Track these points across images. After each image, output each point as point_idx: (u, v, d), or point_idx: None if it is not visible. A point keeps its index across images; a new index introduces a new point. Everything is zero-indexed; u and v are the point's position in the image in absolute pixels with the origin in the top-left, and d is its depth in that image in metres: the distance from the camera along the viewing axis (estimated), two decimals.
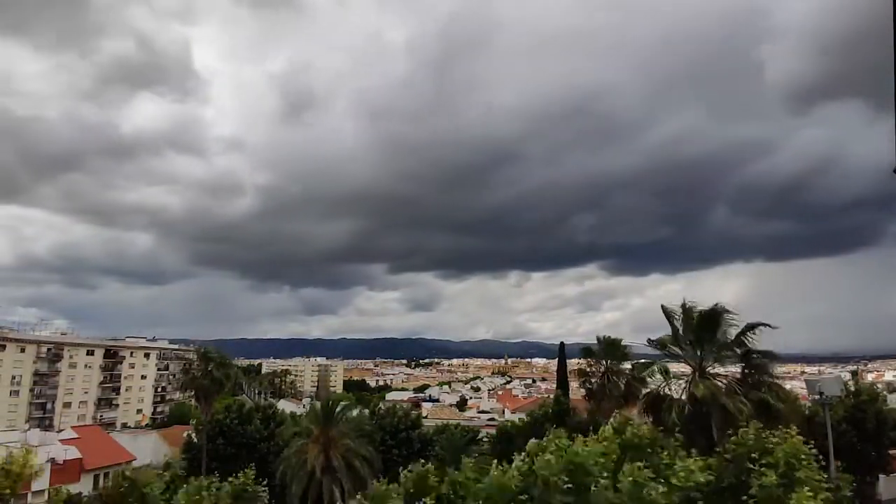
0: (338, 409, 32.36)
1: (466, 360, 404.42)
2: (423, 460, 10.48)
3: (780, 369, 21.82)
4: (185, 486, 14.92)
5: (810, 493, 8.01)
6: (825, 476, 9.47)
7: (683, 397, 18.74)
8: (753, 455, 9.49)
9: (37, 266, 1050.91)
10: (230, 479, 16.67)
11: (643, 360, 23.18)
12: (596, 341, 34.61)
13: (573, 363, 76.31)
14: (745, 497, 8.86)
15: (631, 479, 7.96)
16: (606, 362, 32.81)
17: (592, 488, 8.07)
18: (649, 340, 21.38)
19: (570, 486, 8.30)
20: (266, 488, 17.13)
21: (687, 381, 19.09)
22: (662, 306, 20.84)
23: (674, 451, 10.41)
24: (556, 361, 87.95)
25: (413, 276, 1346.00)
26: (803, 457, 9.14)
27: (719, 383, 18.92)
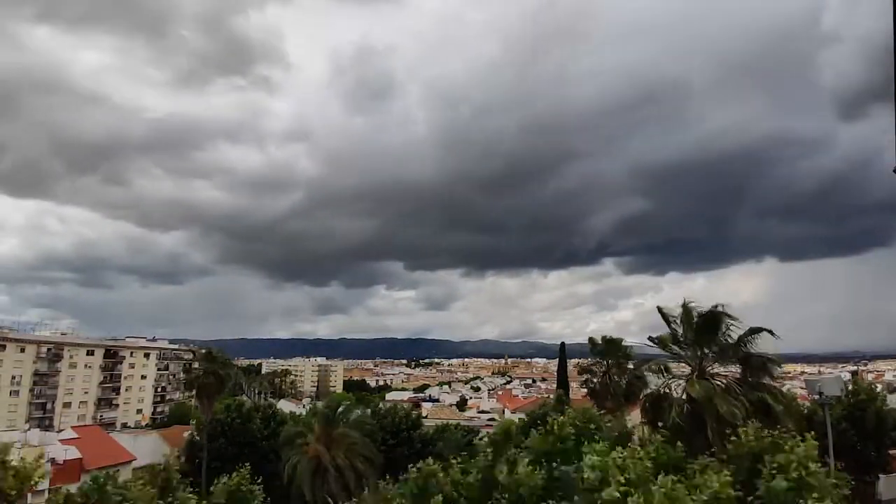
0: (340, 409, 32.45)
1: (466, 360, 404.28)
2: (430, 459, 10.47)
3: (780, 369, 21.82)
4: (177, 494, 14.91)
5: (817, 497, 7.88)
6: (835, 482, 9.32)
7: (683, 397, 18.75)
8: (766, 457, 9.30)
9: (56, 264, 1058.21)
10: (224, 477, 16.67)
11: (644, 358, 23.15)
12: (598, 341, 34.65)
13: (573, 363, 76.54)
14: (750, 498, 8.72)
15: (664, 490, 7.80)
16: (608, 362, 32.85)
17: (629, 499, 7.94)
18: (650, 338, 21.40)
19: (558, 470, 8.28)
20: (261, 486, 17.09)
21: (685, 381, 19.09)
22: (658, 308, 20.94)
23: (663, 448, 10.36)
24: (556, 361, 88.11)
25: (440, 273, 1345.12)
26: (815, 461, 8.94)
27: (718, 384, 18.94)
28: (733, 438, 10.26)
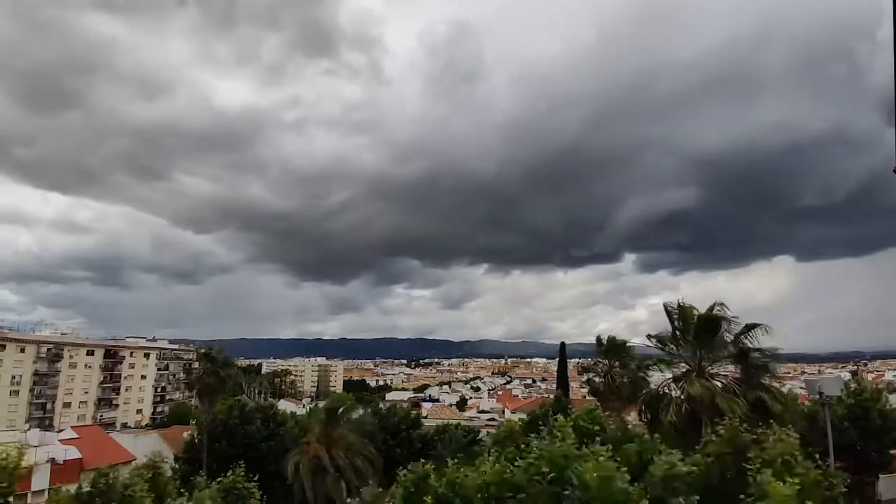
0: (340, 410, 32.44)
1: (466, 360, 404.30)
2: (423, 460, 10.45)
3: (780, 368, 21.82)
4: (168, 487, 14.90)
5: (796, 483, 8.03)
6: (820, 474, 9.48)
7: (681, 397, 18.75)
8: (750, 455, 9.51)
9: (78, 261, 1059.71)
10: (220, 476, 16.64)
11: (647, 359, 23.22)
12: (604, 340, 34.59)
13: (574, 363, 76.57)
14: (740, 495, 8.84)
15: (596, 474, 7.92)
16: (609, 362, 32.81)
17: (572, 483, 8.06)
18: (649, 336, 21.40)
19: (553, 475, 8.33)
20: (257, 485, 17.06)
21: (683, 381, 19.09)
22: (664, 305, 20.89)
23: (646, 443, 10.42)
24: (556, 361, 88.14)
25: (466, 270, 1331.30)
26: (797, 454, 9.17)
27: (718, 383, 18.94)
28: (714, 437, 10.34)
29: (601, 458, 8.31)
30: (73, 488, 14.79)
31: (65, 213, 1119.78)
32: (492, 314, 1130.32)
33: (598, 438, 10.05)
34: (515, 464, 9.09)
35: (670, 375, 20.61)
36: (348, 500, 27.13)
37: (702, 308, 19.78)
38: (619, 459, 8.82)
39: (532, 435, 10.29)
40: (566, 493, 8.01)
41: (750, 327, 19.21)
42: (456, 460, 10.27)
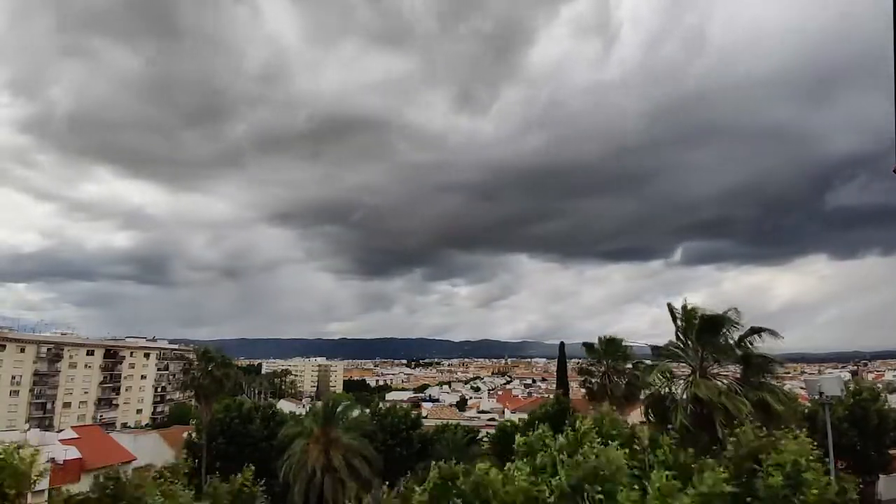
0: (339, 410, 32.41)
1: (466, 360, 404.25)
2: (435, 461, 10.38)
3: (781, 369, 21.82)
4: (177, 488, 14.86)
5: (815, 493, 7.96)
6: (830, 479, 9.40)
7: (685, 397, 18.74)
8: (761, 456, 9.40)
9: (131, 257, 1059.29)
10: (230, 477, 16.65)
11: (646, 361, 23.22)
12: (597, 341, 34.63)
13: (574, 363, 76.51)
14: (749, 499, 8.79)
15: (658, 486, 7.86)
16: (607, 362, 32.80)
17: (618, 497, 7.99)
18: (653, 348, 21.43)
19: (600, 495, 8.19)
20: (265, 487, 17.10)
21: (688, 382, 19.07)
22: (668, 305, 20.94)
23: (675, 452, 10.31)
24: (556, 361, 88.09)
25: (515, 263, 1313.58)
26: (811, 458, 9.05)
27: (720, 383, 18.94)
28: (732, 439, 10.27)
29: (666, 474, 8.22)
30: (73, 488, 14.76)
31: (150, 208, 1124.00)
32: (520, 311, 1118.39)
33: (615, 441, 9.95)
34: (551, 477, 8.87)
35: (672, 377, 20.58)
36: (347, 501, 27.09)
37: (720, 309, 19.73)
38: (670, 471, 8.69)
39: (561, 440, 10.13)
40: None
41: (755, 330, 19.23)
42: (488, 462, 10.11)
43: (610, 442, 9.14)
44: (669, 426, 17.40)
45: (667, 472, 8.49)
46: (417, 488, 10.19)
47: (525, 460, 10.29)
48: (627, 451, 9.58)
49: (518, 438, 10.79)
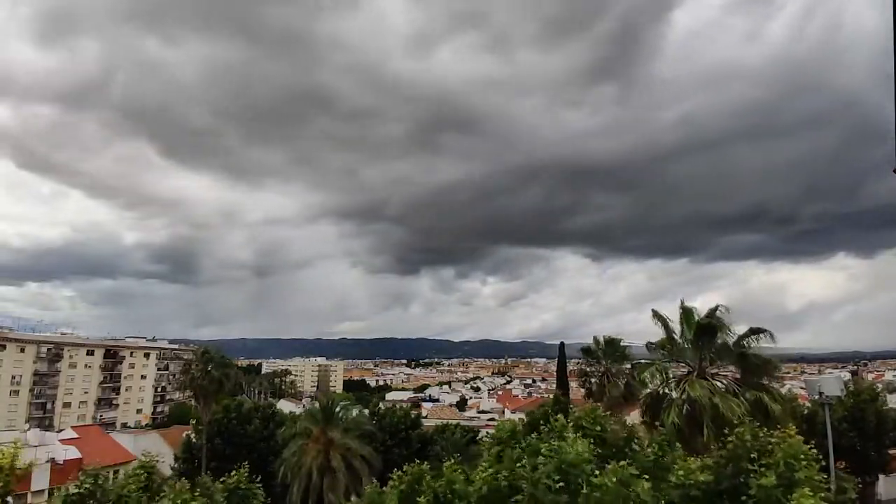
0: (337, 409, 32.38)
1: (466, 359, 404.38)
2: (418, 461, 10.43)
3: (780, 369, 21.83)
4: (165, 489, 14.79)
5: (810, 493, 7.96)
6: (825, 477, 9.41)
7: (681, 398, 18.76)
8: (753, 455, 9.45)
9: (153, 256, 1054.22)
10: (223, 477, 16.57)
11: (643, 361, 23.23)
12: (600, 341, 34.60)
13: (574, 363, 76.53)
14: (743, 498, 8.81)
15: (615, 478, 7.93)
16: (606, 362, 32.78)
17: (582, 490, 8.04)
18: (648, 345, 21.46)
19: (561, 485, 8.27)
20: (261, 486, 17.04)
21: (683, 382, 19.09)
22: (653, 311, 21.17)
23: (664, 449, 10.35)
24: (555, 361, 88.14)
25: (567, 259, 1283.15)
26: (803, 457, 9.07)
27: (718, 384, 18.95)
28: (730, 439, 10.27)
29: (621, 464, 8.30)
30: (73, 488, 14.73)
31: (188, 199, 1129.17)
32: (539, 310, 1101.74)
33: (595, 440, 9.99)
34: (518, 466, 9.02)
35: (671, 377, 20.59)
36: (346, 501, 27.06)
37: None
38: (631, 462, 8.82)
39: (533, 435, 10.25)
40: (581, 496, 7.97)
41: (754, 331, 19.27)
42: (452, 461, 10.24)
43: (579, 437, 9.13)
44: (657, 424, 17.42)
45: (625, 462, 8.56)
46: (387, 489, 10.31)
47: (490, 453, 10.43)
48: (595, 444, 9.55)
49: (488, 435, 10.91)
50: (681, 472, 8.89)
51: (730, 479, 9.51)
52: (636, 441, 10.68)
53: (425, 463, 10.18)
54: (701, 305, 20.84)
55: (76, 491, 14.08)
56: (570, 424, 10.33)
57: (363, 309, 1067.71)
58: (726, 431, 10.56)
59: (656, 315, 20.79)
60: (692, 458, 9.47)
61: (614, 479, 7.95)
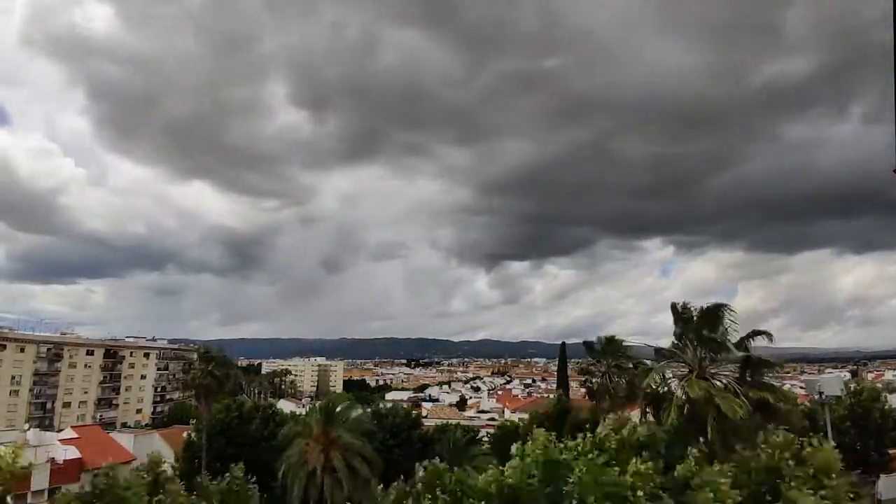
0: (338, 409, 32.36)
1: (466, 359, 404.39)
2: (430, 460, 10.48)
3: (779, 370, 21.84)
4: (162, 490, 14.86)
5: (824, 498, 7.77)
6: (855, 492, 9.09)
7: (681, 397, 18.74)
8: (790, 463, 9.07)
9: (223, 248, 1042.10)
10: (219, 476, 16.61)
11: (645, 361, 23.25)
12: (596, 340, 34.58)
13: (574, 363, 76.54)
14: None
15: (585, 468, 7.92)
16: (608, 361, 32.75)
17: (570, 483, 8.05)
18: (657, 350, 21.45)
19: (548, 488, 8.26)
20: (256, 485, 17.09)
21: (685, 381, 19.07)
22: (672, 304, 20.88)
23: (697, 466, 10.09)
24: (555, 361, 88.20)
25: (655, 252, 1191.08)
26: (834, 472, 8.73)
27: (718, 383, 18.94)
28: (764, 444, 9.94)
29: (590, 456, 8.30)
30: (73, 488, 14.74)
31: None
32: (579, 307, 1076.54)
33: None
34: (507, 466, 9.01)
35: (671, 376, 20.58)
36: (345, 501, 27.05)
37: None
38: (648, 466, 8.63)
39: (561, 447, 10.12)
40: (564, 491, 7.99)
41: (756, 332, 19.26)
42: (467, 465, 10.22)
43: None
44: (651, 421, 17.40)
45: (595, 454, 8.50)
46: (408, 488, 10.32)
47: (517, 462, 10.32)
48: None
49: (516, 448, 10.74)
50: (710, 495, 8.48)
51: (756, 492, 9.22)
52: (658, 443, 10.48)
53: (442, 462, 10.22)
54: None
55: (89, 490, 14.15)
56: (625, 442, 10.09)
57: (396, 308, 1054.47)
58: (728, 430, 10.45)
59: (674, 309, 20.53)
60: (717, 468, 9.10)
61: (584, 469, 7.90)
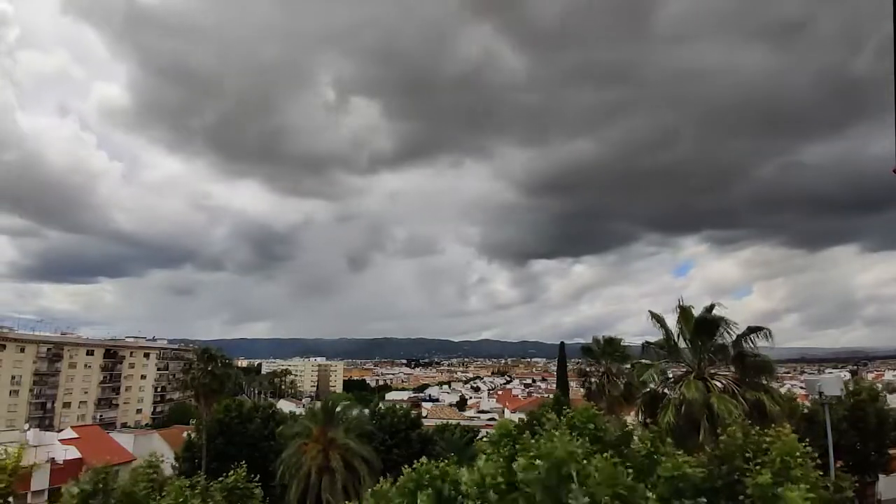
0: (338, 409, 32.38)
1: (466, 359, 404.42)
2: (424, 458, 10.52)
3: (778, 370, 21.85)
4: (166, 487, 14.86)
5: (807, 488, 7.99)
6: (821, 473, 9.44)
7: (677, 398, 18.77)
8: (748, 454, 9.49)
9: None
10: (221, 476, 16.62)
11: (643, 361, 23.26)
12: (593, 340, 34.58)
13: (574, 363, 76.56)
14: (741, 497, 8.85)
15: (601, 469, 7.98)
16: (606, 362, 32.75)
17: (571, 485, 8.08)
18: (647, 343, 21.47)
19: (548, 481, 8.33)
20: (259, 485, 17.08)
21: (681, 383, 19.10)
22: (650, 311, 21.22)
23: (655, 444, 10.42)
24: (555, 361, 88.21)
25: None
26: (798, 455, 9.12)
27: (717, 384, 18.95)
28: (723, 437, 10.31)
29: (605, 455, 8.35)
30: (73, 489, 14.77)
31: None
32: (592, 307, 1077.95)
33: (590, 438, 10.04)
34: (514, 461, 9.04)
35: (669, 376, 20.60)
36: (345, 501, 27.06)
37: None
38: (623, 459, 8.85)
39: (526, 434, 10.30)
40: (571, 491, 8.00)
41: (753, 330, 19.27)
42: (449, 459, 10.29)
43: (568, 433, 9.15)
44: (648, 422, 17.40)
45: (608, 453, 8.60)
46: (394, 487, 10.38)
47: (490, 451, 10.46)
48: (591, 442, 9.60)
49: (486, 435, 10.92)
50: (668, 465, 8.92)
51: (725, 477, 9.54)
52: (631, 439, 10.73)
53: (432, 462, 10.24)
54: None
55: (86, 488, 14.15)
56: (563, 423, 10.37)
57: (406, 308, 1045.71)
58: (719, 431, 10.62)
59: (654, 316, 20.80)
60: (682, 454, 9.50)
61: (598, 468, 7.96)
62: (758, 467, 8.89)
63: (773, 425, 10.75)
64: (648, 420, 19.44)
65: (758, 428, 10.43)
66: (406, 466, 10.20)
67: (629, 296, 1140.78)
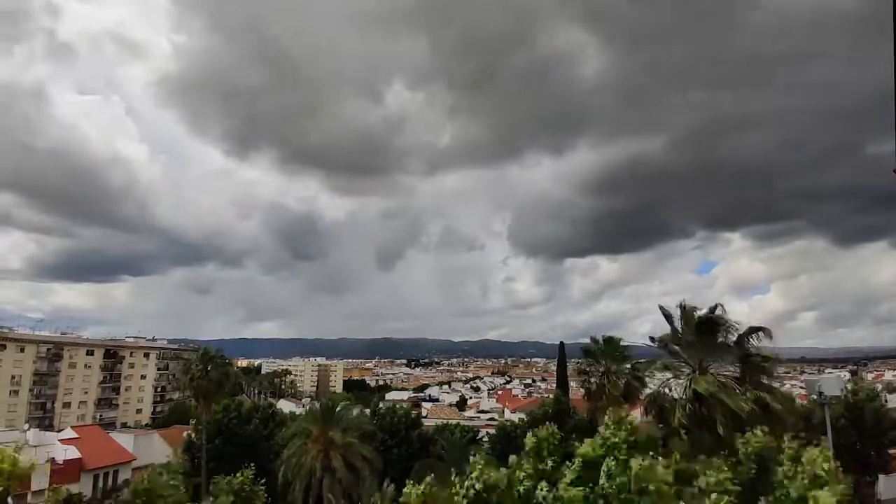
0: (338, 409, 32.37)
1: (466, 359, 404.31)
2: (427, 459, 10.29)
3: (780, 368, 21.86)
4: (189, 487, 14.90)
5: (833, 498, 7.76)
6: (847, 486, 9.14)
7: (685, 396, 18.73)
8: (777, 461, 9.17)
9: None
10: (228, 478, 16.65)
11: (644, 360, 23.26)
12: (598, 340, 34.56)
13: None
14: (762, 500, 8.66)
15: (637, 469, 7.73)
16: (606, 362, 32.73)
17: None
18: (651, 339, 21.46)
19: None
20: (264, 487, 17.14)
21: (688, 379, 19.06)
22: (660, 307, 21.00)
23: (679, 452, 10.13)
24: (555, 361, 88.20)
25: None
26: (826, 466, 8.76)
27: (721, 380, 18.94)
28: (742, 440, 10.11)
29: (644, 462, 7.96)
30: (73, 488, 14.76)
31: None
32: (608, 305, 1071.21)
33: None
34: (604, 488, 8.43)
35: (669, 376, 20.56)
36: (345, 501, 27.06)
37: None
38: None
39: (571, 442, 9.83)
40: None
41: (754, 329, 19.27)
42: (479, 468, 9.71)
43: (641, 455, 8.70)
44: (660, 425, 17.33)
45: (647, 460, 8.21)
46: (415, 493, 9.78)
47: (531, 461, 9.88)
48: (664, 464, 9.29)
49: (528, 437, 10.31)
50: (713, 481, 8.47)
51: (750, 482, 9.27)
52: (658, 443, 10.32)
53: (430, 475, 9.72)
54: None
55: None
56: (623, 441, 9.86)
57: (420, 307, 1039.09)
58: (734, 428, 10.42)
59: (663, 311, 20.64)
60: (718, 463, 9.12)
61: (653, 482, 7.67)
62: (784, 479, 8.61)
63: (784, 427, 10.61)
64: (654, 421, 19.40)
65: (781, 433, 10.23)
66: (422, 470, 9.59)
67: (650, 294, 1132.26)
